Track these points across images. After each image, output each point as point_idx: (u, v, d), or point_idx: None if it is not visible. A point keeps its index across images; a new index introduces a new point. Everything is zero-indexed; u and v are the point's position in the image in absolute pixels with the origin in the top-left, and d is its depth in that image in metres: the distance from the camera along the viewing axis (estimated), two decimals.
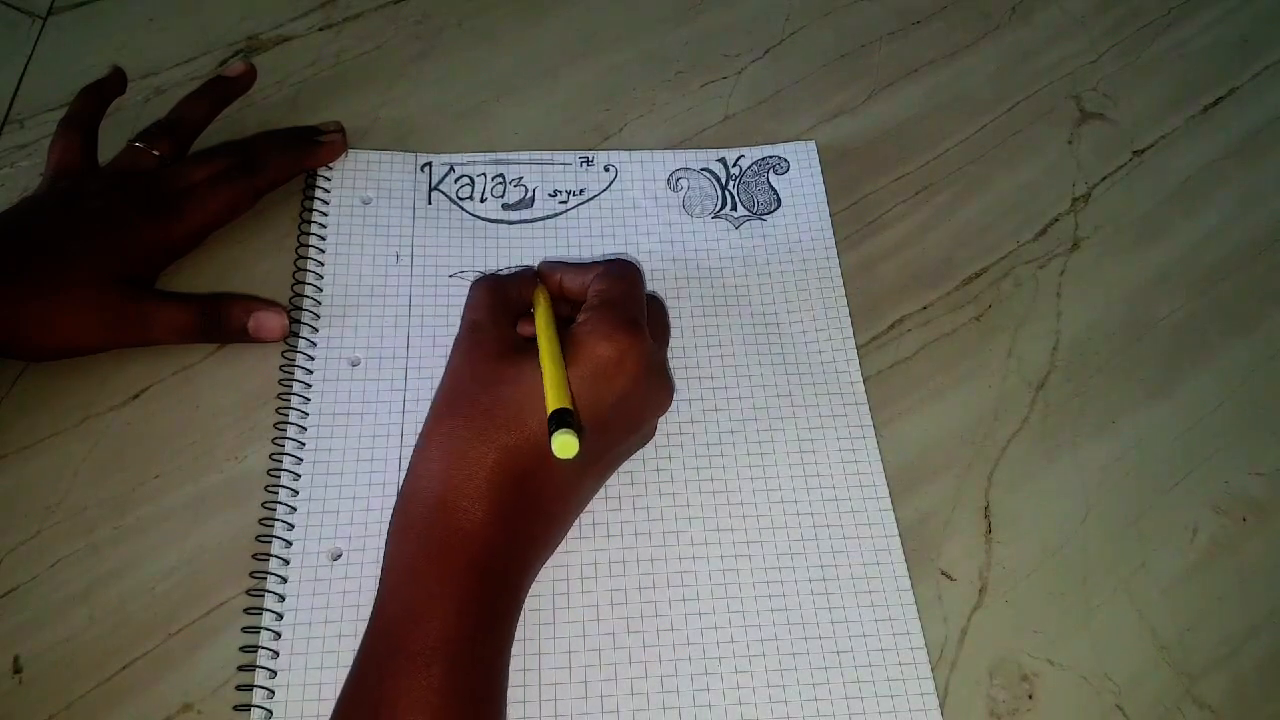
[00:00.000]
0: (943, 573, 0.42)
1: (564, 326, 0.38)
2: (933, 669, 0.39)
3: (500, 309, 0.39)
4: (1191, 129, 0.56)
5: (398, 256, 0.47)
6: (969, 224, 0.51)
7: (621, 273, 0.40)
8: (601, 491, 0.41)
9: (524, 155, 0.50)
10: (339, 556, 0.39)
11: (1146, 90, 0.57)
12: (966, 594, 0.41)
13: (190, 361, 0.44)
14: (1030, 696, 0.39)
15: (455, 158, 0.50)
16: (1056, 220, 0.52)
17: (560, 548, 0.39)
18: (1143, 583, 0.42)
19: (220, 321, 0.43)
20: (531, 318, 0.40)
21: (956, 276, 0.50)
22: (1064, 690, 0.39)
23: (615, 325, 0.37)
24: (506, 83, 0.54)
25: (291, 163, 0.48)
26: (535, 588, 0.38)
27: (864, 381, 0.45)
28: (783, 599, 0.40)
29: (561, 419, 0.33)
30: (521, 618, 0.37)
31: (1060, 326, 0.49)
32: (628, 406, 0.37)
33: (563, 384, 0.34)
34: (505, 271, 0.47)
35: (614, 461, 0.40)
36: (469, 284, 0.41)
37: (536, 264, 0.46)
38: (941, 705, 0.38)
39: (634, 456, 0.42)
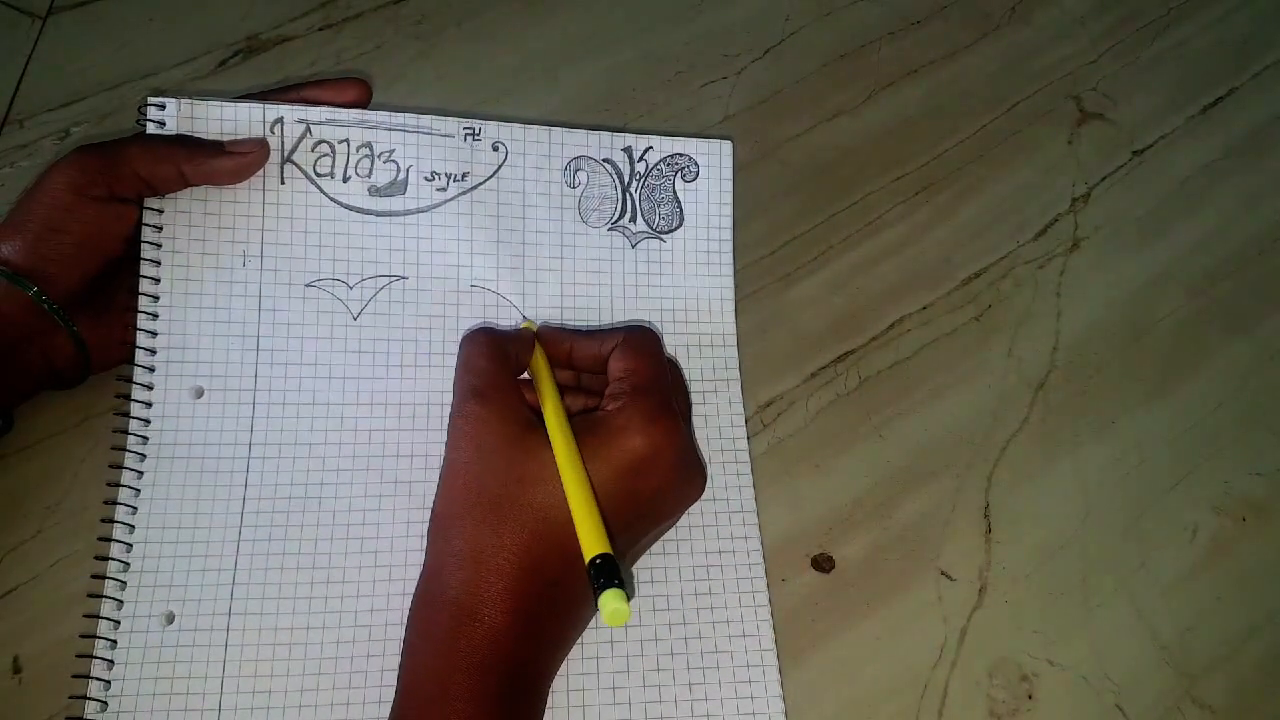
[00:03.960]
0: (943, 573, 0.42)
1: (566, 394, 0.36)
2: (933, 669, 0.39)
3: (504, 373, 0.36)
4: (1191, 129, 0.56)
5: (244, 257, 0.40)
6: (969, 224, 0.51)
7: (648, 349, 0.37)
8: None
9: (397, 118, 0.42)
10: (173, 620, 0.36)
11: (1146, 90, 0.57)
12: (966, 594, 0.41)
13: None
14: (1030, 696, 0.39)
15: (312, 112, 0.41)
16: (1056, 220, 0.52)
17: None
18: (1143, 583, 0.42)
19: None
20: (528, 383, 0.37)
21: (956, 276, 0.50)
22: (1064, 690, 0.39)
23: (650, 416, 0.34)
24: (506, 83, 0.54)
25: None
26: None
27: (861, 381, 0.46)
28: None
29: (605, 570, 0.30)
30: None
31: (1060, 326, 0.49)
32: (661, 501, 0.35)
33: (598, 519, 0.31)
34: (499, 327, 0.41)
35: (639, 554, 0.38)
36: (326, 290, 0.38)
37: (524, 322, 0.41)
38: (941, 705, 0.38)
39: None
